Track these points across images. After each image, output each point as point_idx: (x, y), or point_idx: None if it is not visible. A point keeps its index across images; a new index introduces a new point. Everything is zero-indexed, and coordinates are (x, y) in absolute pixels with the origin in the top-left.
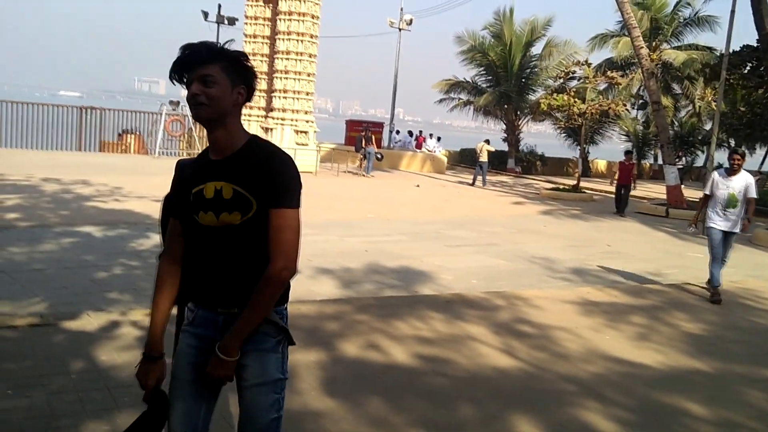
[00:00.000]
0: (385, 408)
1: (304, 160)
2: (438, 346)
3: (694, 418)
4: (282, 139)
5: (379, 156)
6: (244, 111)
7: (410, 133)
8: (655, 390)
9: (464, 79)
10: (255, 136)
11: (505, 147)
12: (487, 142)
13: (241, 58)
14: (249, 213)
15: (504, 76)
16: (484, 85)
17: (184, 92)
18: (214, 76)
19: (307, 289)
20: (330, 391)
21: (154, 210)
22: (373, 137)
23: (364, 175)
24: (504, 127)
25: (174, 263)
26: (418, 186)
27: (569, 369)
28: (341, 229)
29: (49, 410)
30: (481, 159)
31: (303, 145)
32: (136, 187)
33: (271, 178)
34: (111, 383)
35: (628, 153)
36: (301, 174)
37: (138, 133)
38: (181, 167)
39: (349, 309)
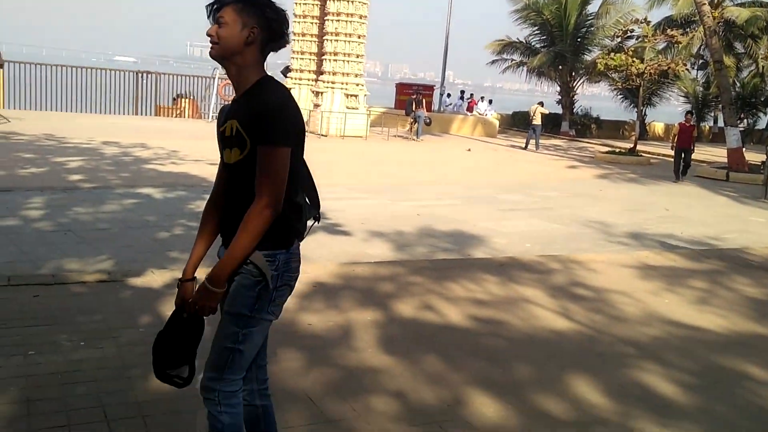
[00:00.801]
0: (442, 366)
1: (355, 124)
2: (493, 308)
3: (757, 382)
4: (332, 102)
5: (427, 120)
6: (295, 75)
7: (462, 94)
8: (717, 354)
9: (517, 39)
10: (266, 77)
11: (559, 109)
12: (541, 104)
13: (254, 0)
14: (245, 151)
15: (559, 36)
16: (538, 46)
17: None
18: (224, 17)
19: (361, 251)
20: (387, 350)
21: (210, 173)
22: (424, 100)
23: (414, 140)
24: (558, 89)
25: (216, 200)
26: (469, 150)
27: (628, 332)
28: (392, 193)
29: (120, 361)
30: (534, 122)
31: (353, 108)
32: (192, 151)
33: (261, 115)
34: None
35: (688, 113)
36: (351, 137)
37: (192, 97)
38: (221, 111)
39: (403, 271)
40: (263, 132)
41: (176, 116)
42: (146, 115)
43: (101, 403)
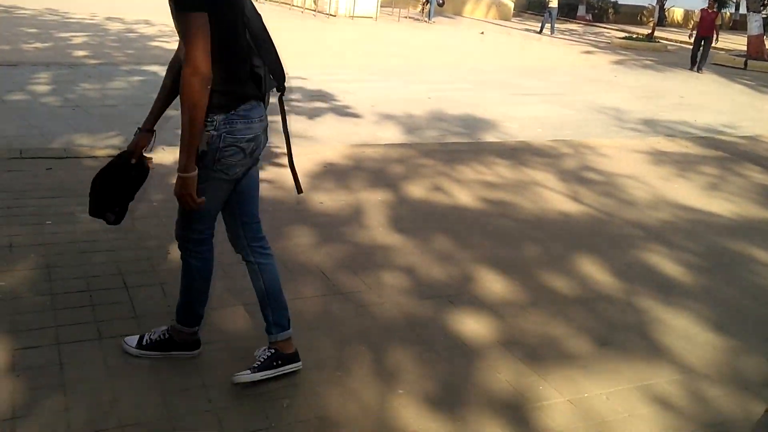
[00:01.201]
0: (451, 245)
1: (364, 4)
2: (503, 190)
3: (762, 265)
4: None
5: (440, 2)
6: None
7: None
8: (724, 237)
9: None
10: None
11: None
12: None
13: None
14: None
15: None
16: None
17: None
18: None
19: (372, 133)
20: (397, 228)
21: None
22: None
23: (426, 21)
24: None
25: (173, 66)
26: (482, 33)
27: (636, 215)
28: (403, 76)
29: (136, 233)
30: (550, 5)
31: None
32: None
33: None
34: None
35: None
36: (360, 18)
37: None
38: None
39: (413, 153)
40: (175, 1)
41: None
42: None
43: (120, 271)
